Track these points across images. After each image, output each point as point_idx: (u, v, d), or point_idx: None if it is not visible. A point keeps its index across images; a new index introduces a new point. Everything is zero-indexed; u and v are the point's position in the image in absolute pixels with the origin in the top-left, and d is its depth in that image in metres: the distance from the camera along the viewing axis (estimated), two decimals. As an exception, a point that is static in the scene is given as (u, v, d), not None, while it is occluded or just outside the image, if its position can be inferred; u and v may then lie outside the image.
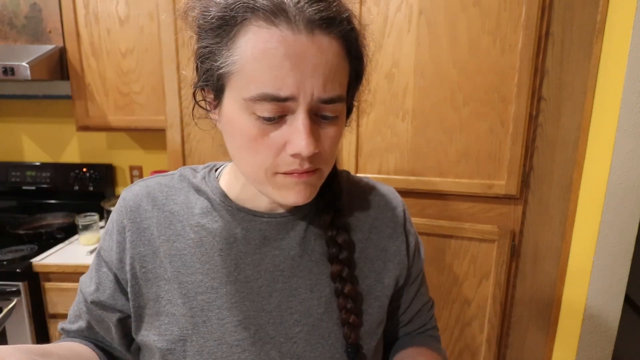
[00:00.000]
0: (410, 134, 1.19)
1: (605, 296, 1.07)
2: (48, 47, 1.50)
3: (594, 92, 1.02)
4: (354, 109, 0.54)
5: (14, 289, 1.38)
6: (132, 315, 0.52)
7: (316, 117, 0.42)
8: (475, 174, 1.15)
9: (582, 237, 1.08)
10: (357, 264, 0.54)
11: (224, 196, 0.52)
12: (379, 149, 1.24)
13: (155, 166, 1.90)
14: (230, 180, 0.54)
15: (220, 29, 0.40)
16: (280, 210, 0.53)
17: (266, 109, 0.39)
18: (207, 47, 0.42)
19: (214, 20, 0.40)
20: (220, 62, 0.41)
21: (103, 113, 1.58)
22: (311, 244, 0.53)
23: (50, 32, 1.54)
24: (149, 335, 0.51)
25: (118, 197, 0.56)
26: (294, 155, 0.41)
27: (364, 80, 0.50)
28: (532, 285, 1.19)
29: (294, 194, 0.45)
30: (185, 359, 0.48)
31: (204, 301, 0.49)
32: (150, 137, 1.86)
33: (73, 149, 1.92)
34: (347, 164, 1.28)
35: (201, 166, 0.58)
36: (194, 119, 0.49)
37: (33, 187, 1.84)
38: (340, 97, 0.42)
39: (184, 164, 1.41)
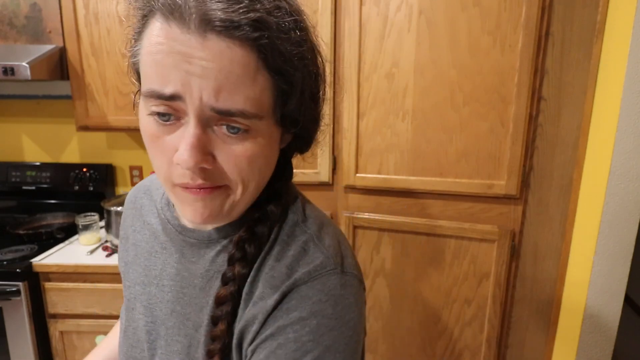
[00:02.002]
0: (410, 134, 1.19)
1: (605, 296, 1.07)
2: (48, 47, 1.50)
3: (594, 92, 1.02)
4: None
5: (14, 289, 1.38)
6: None
7: (219, 130, 0.38)
8: (475, 174, 1.15)
9: (582, 237, 1.08)
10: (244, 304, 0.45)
11: (166, 204, 0.55)
12: (379, 149, 1.24)
13: (155, 166, 1.90)
14: None
15: (137, 21, 0.39)
16: (204, 229, 0.49)
17: (155, 105, 0.37)
18: (131, 37, 0.40)
19: (135, 11, 0.39)
20: (131, 53, 0.40)
21: (103, 113, 1.57)
22: (211, 279, 0.47)
23: (50, 32, 1.54)
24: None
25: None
26: (180, 165, 0.37)
27: (318, 104, 0.45)
28: (532, 285, 1.19)
29: (190, 211, 0.41)
30: (123, 331, 0.56)
31: (136, 292, 0.54)
32: (150, 137, 1.86)
33: (73, 149, 1.92)
34: (347, 164, 1.28)
35: None
36: (134, 107, 0.46)
37: (33, 187, 1.84)
38: (244, 112, 0.36)
39: (184, 164, 1.41)
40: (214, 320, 0.45)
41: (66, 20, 1.50)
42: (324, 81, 0.45)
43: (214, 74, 0.35)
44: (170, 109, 0.37)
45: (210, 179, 0.39)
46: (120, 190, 1.95)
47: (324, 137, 0.50)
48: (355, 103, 1.23)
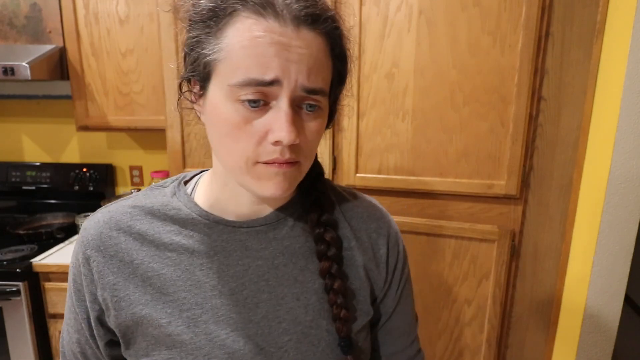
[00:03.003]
0: (410, 134, 1.19)
1: (605, 296, 1.07)
2: (48, 47, 1.50)
3: (594, 92, 1.02)
4: (337, 114, 0.55)
5: (14, 289, 1.38)
6: (120, 339, 0.51)
7: (299, 109, 0.44)
8: (475, 174, 1.15)
9: (582, 237, 1.08)
10: (345, 264, 0.55)
11: (200, 209, 0.52)
12: (379, 149, 1.24)
13: (155, 166, 1.90)
14: (207, 190, 0.53)
15: (210, 20, 0.42)
16: (261, 216, 0.53)
17: (250, 93, 0.41)
18: (196, 37, 0.44)
19: (204, 12, 0.43)
20: (207, 50, 0.43)
21: (103, 113, 1.58)
22: (295, 252, 0.53)
23: (50, 32, 1.54)
24: (138, 358, 0.50)
25: (118, 197, 0.57)
26: (275, 143, 0.42)
27: (346, 84, 0.51)
28: (532, 285, 1.19)
29: (272, 185, 0.45)
30: None
31: (189, 318, 0.49)
32: (150, 137, 1.86)
33: (73, 149, 1.92)
34: (347, 164, 1.28)
35: (170, 179, 0.57)
36: (178, 109, 0.52)
37: (33, 187, 1.84)
38: (323, 91, 0.44)
39: (184, 164, 1.41)
40: (328, 288, 0.51)
41: (66, 20, 1.50)
42: None
43: (306, 59, 0.41)
44: (261, 95, 0.41)
45: (294, 154, 0.44)
46: (120, 190, 1.95)
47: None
48: (355, 103, 1.23)
